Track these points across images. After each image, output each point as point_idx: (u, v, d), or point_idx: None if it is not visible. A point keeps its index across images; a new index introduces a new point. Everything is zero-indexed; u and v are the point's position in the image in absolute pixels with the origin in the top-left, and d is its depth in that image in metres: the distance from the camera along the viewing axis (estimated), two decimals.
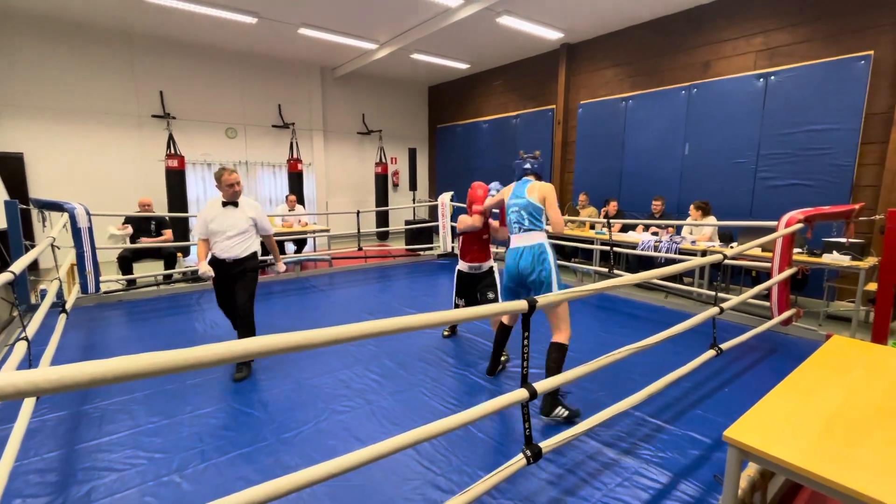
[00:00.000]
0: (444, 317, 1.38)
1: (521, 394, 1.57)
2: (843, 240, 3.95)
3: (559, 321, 2.52)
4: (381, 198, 10.07)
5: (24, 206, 4.77)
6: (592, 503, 1.86)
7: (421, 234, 8.51)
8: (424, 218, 9.89)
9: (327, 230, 7.41)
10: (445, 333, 3.79)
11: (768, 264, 3.57)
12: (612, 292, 5.28)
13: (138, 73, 7.62)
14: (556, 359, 2.44)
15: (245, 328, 3.06)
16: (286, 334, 1.03)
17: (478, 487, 1.48)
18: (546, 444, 1.66)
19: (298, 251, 7.29)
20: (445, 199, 6.94)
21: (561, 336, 2.51)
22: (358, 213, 7.13)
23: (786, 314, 3.41)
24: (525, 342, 1.56)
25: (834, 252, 3.94)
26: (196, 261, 3.21)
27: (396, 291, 5.54)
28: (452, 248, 7.25)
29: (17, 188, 6.54)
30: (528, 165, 2.80)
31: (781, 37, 5.40)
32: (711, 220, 5.07)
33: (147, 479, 1.98)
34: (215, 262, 3.07)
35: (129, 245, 5.18)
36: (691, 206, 5.17)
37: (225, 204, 3.07)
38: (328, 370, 3.13)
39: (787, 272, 3.34)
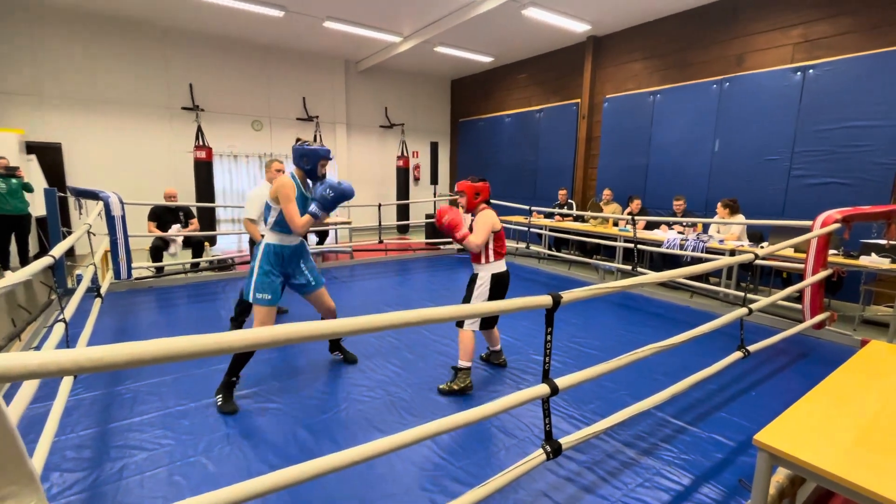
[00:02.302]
0: (464, 310, 1.38)
1: (542, 389, 1.56)
2: (882, 241, 3.78)
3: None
4: (403, 191, 10.10)
5: (62, 195, 4.98)
6: (612, 502, 1.84)
7: None
8: None
9: (349, 222, 7.49)
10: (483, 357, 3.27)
11: (801, 265, 3.45)
12: (636, 291, 5.18)
13: (170, 66, 7.83)
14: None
15: None
16: (310, 323, 1.05)
17: (497, 480, 1.48)
18: (566, 441, 1.65)
19: (320, 243, 7.39)
20: None
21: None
22: (379, 206, 7.17)
23: (818, 317, 3.29)
24: (548, 338, 1.54)
25: (872, 254, 3.78)
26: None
27: (416, 285, 5.57)
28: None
29: (56, 177, 6.82)
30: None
31: (822, 28, 5.17)
32: (740, 218, 4.92)
33: (175, 459, 2.05)
34: None
35: (159, 233, 5.34)
36: (719, 204, 5.02)
37: None
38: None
39: (822, 274, 3.22)
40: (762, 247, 4.38)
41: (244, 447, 2.15)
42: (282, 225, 2.53)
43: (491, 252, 2.75)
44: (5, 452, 0.75)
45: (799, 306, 3.51)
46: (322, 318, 2.60)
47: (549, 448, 1.59)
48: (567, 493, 1.90)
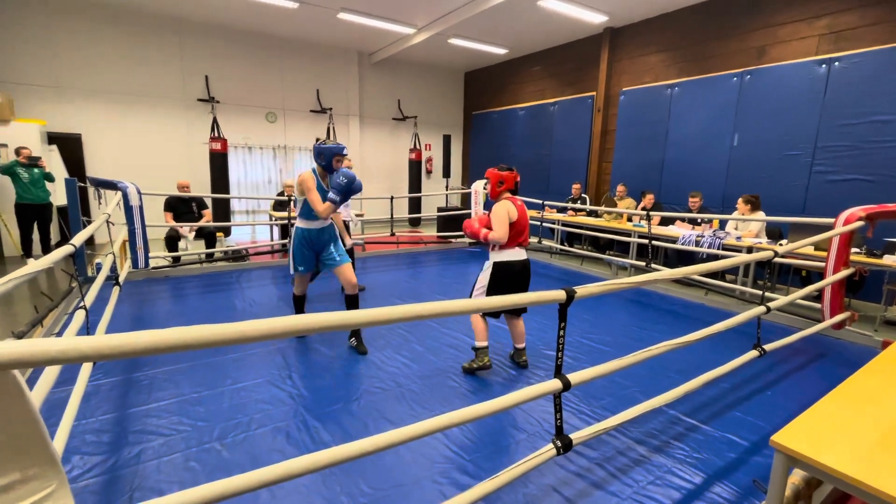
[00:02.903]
0: (473, 304, 1.38)
1: (554, 384, 1.55)
2: None
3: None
4: (415, 184, 10.10)
5: (82, 184, 5.07)
6: (622, 499, 1.84)
7: (453, 221, 8.50)
8: (457, 205, 9.88)
9: (361, 215, 7.52)
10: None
11: (822, 264, 3.37)
12: (649, 287, 5.12)
13: (186, 58, 7.90)
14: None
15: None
16: (324, 314, 1.05)
17: (507, 474, 1.48)
18: (577, 436, 1.65)
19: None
20: (479, 186, 6.89)
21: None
22: (392, 198, 7.19)
23: (838, 317, 3.21)
24: (561, 333, 1.53)
25: None
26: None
27: (427, 278, 5.58)
28: None
29: (76, 167, 6.96)
30: None
31: (849, 19, 5.00)
32: (760, 215, 4.81)
33: (191, 445, 2.10)
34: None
35: (174, 224, 5.43)
36: (739, 200, 4.90)
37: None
38: (361, 353, 3.20)
39: (843, 273, 3.14)
40: (781, 244, 4.28)
41: (257, 435, 2.19)
42: (306, 212, 3.09)
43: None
44: (29, 436, 0.77)
45: (818, 305, 3.44)
46: (343, 291, 3.42)
47: (559, 443, 1.59)
48: (576, 488, 1.89)
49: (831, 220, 3.31)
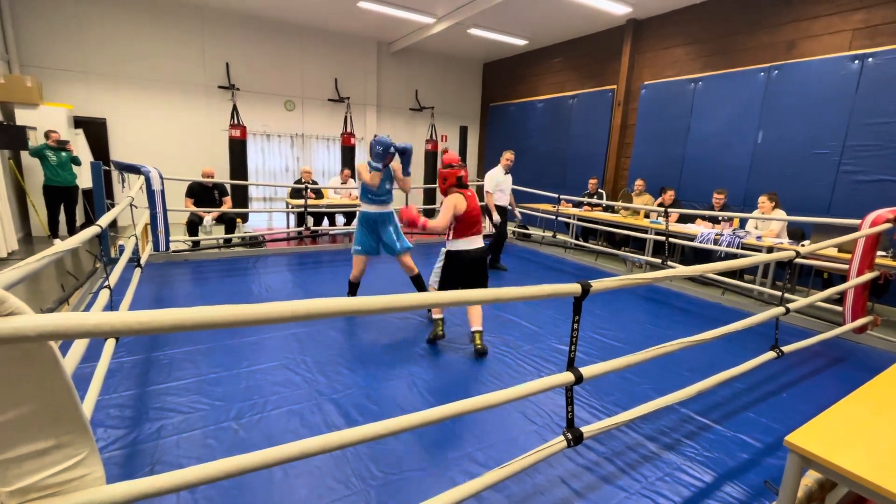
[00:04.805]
0: (496, 294, 1.38)
1: (566, 377, 1.55)
2: None
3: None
4: (430, 175, 10.08)
5: (106, 168, 5.20)
6: (630, 494, 1.84)
7: None
8: None
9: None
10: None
11: (845, 266, 3.29)
12: (665, 285, 5.06)
13: (207, 45, 7.98)
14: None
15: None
16: (342, 298, 1.07)
17: (517, 463, 1.50)
18: (588, 430, 1.65)
19: (348, 223, 7.50)
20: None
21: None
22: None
23: (860, 321, 3.14)
24: (575, 326, 1.53)
25: None
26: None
27: None
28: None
29: (100, 151, 7.13)
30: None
31: (886, 13, 4.81)
32: (781, 214, 4.70)
33: (209, 423, 2.16)
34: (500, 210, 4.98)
35: (195, 209, 5.54)
36: (763, 197, 4.76)
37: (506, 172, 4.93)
38: (374, 339, 3.25)
39: (868, 276, 3.06)
40: (803, 245, 4.19)
41: (272, 416, 2.24)
42: (365, 196, 3.50)
43: (451, 231, 2.99)
44: (63, 405, 0.80)
45: (839, 308, 3.36)
46: (408, 276, 3.67)
47: (570, 436, 1.60)
48: (585, 481, 1.90)
49: (857, 222, 3.22)
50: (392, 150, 3.34)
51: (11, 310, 0.70)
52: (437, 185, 3.11)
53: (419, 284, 3.60)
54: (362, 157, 9.91)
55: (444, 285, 3.00)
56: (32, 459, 0.78)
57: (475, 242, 2.99)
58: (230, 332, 3.16)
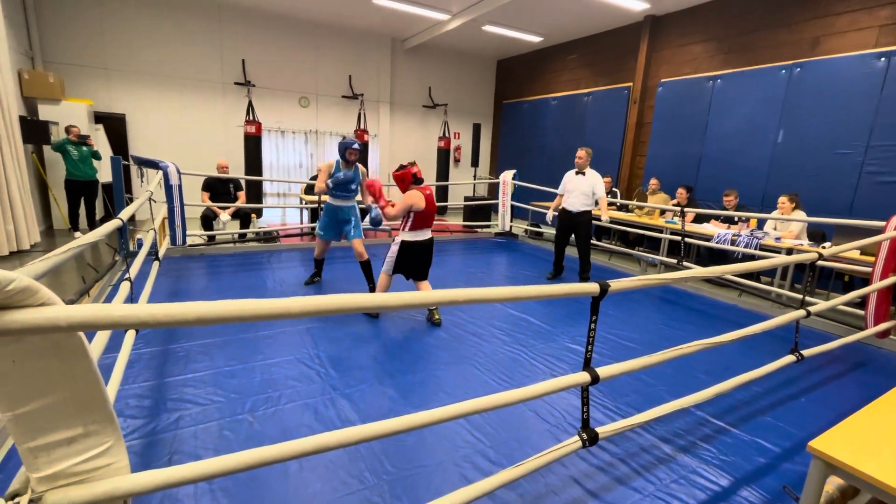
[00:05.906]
0: (514, 292, 1.38)
1: (582, 377, 1.54)
2: None
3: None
4: (442, 172, 10.09)
5: (126, 163, 5.29)
6: (644, 495, 1.82)
7: (479, 211, 8.47)
8: (483, 195, 9.82)
9: (389, 201, 7.58)
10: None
11: (868, 269, 3.21)
12: (680, 286, 4.99)
13: (224, 42, 8.07)
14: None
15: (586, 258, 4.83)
16: (360, 295, 1.08)
17: (531, 463, 1.49)
18: (603, 430, 1.64)
19: (360, 219, 7.53)
20: (507, 177, 6.83)
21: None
22: None
23: (883, 325, 3.06)
24: (592, 326, 1.52)
25: None
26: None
27: (452, 267, 5.59)
28: (511, 227, 7.16)
29: (120, 146, 7.26)
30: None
31: None
32: (801, 215, 4.60)
33: (224, 415, 2.20)
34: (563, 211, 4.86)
35: (211, 204, 5.61)
36: (783, 198, 4.65)
37: (577, 173, 4.75)
38: (387, 335, 3.26)
39: (892, 280, 2.98)
40: (824, 247, 4.09)
41: (286, 410, 2.27)
42: (332, 191, 3.91)
43: (408, 223, 3.34)
44: (91, 394, 0.82)
45: (861, 312, 3.28)
46: (358, 261, 3.99)
47: (585, 436, 1.59)
48: (599, 482, 1.89)
49: (882, 224, 3.14)
50: (354, 146, 3.82)
51: (43, 300, 0.72)
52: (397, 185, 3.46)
53: (367, 270, 3.97)
54: (375, 154, 9.96)
55: (396, 270, 3.44)
56: (61, 447, 0.80)
57: (427, 234, 3.45)
58: (245, 325, 3.20)
